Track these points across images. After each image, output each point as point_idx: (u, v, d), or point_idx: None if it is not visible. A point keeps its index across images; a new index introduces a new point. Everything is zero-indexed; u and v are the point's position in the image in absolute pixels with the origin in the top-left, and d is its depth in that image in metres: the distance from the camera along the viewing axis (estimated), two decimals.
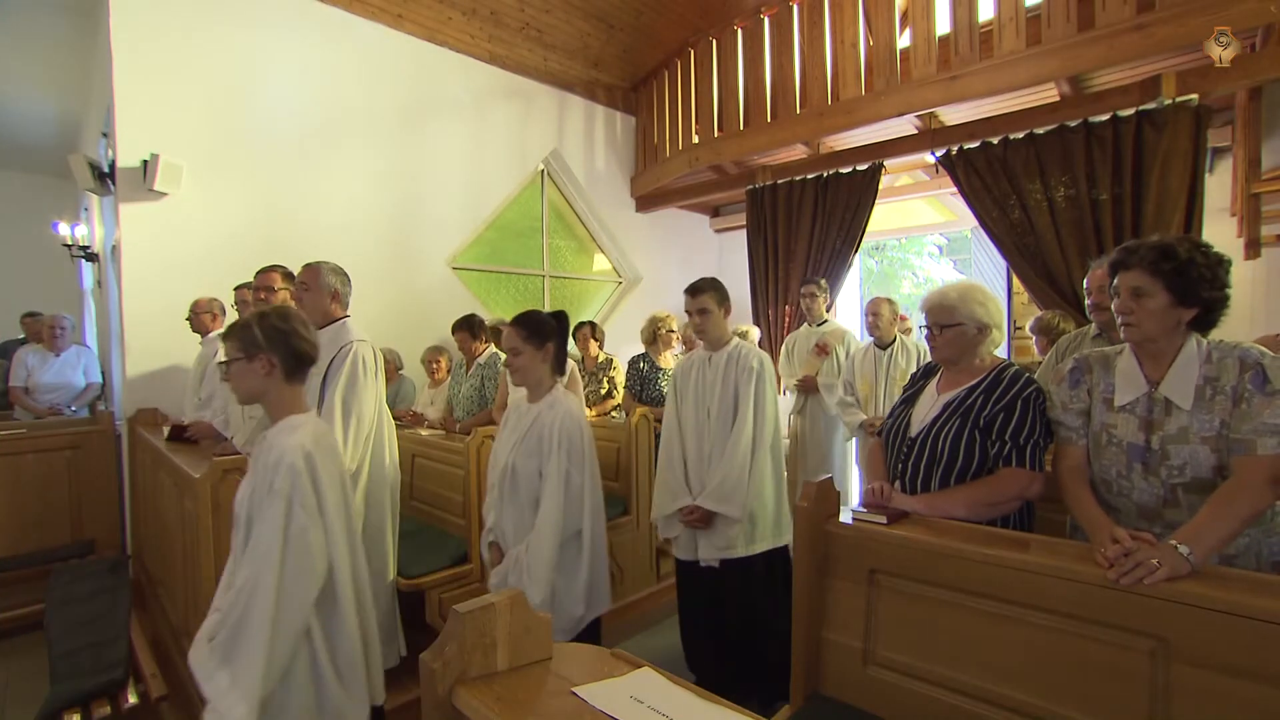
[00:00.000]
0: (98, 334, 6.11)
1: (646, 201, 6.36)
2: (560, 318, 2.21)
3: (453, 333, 4.09)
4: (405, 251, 4.69)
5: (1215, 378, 1.42)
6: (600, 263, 6.46)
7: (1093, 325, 2.47)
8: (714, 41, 5.26)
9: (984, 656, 1.35)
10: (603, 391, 4.16)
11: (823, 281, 4.30)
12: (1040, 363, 2.89)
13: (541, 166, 5.75)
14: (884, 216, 5.96)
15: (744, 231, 5.59)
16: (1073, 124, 3.68)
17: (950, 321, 1.76)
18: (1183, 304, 1.44)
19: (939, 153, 4.31)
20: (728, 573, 2.51)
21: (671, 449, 2.61)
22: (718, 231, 7.33)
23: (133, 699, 2.04)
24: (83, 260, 5.95)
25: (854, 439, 3.98)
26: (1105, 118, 3.57)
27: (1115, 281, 1.52)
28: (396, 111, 4.63)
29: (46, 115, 5.66)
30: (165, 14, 3.59)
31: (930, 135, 4.42)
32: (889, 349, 3.68)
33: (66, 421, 4.09)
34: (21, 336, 5.55)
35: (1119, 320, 1.51)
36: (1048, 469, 1.70)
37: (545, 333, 2.13)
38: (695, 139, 5.52)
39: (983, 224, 4.14)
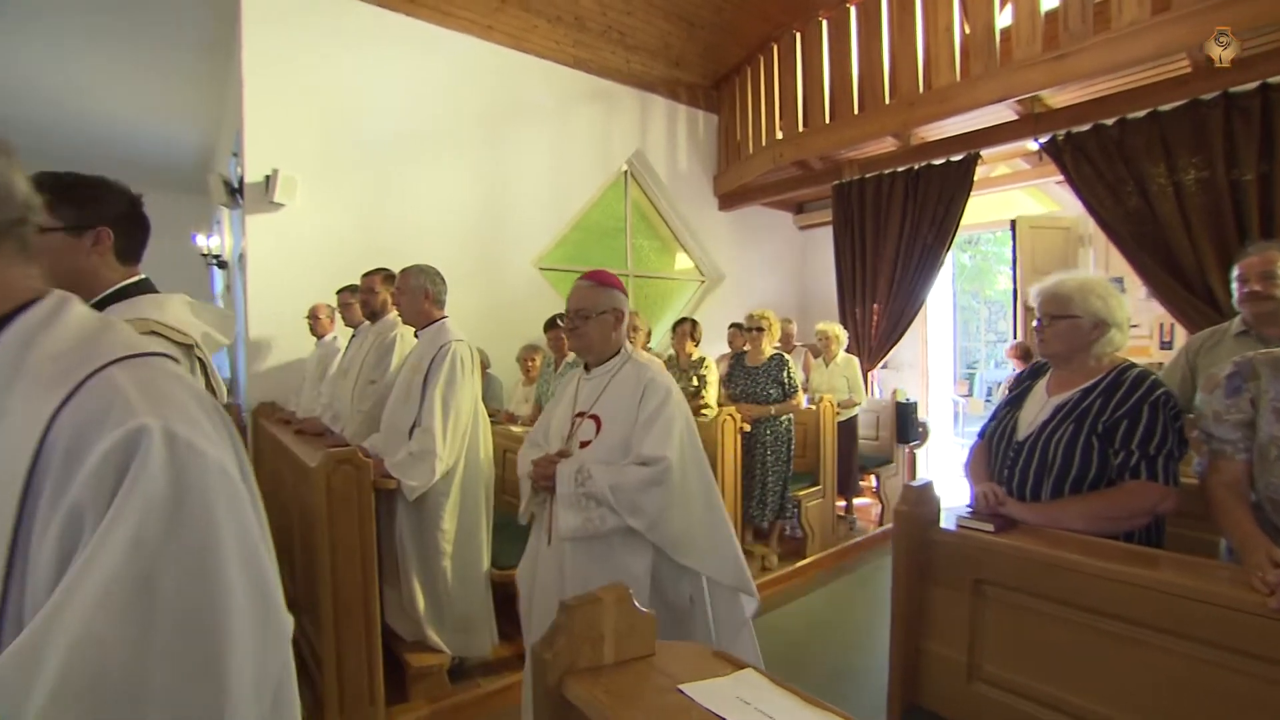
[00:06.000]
0: None
1: (729, 199, 6.31)
2: None
3: (545, 331, 4.21)
4: (492, 253, 4.88)
5: None
6: (683, 262, 6.46)
7: (1235, 321, 2.22)
8: (798, 35, 5.14)
9: (1105, 681, 1.26)
10: (691, 389, 4.15)
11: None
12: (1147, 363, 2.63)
13: (624, 167, 5.82)
14: (979, 209, 5.62)
15: (829, 228, 5.43)
16: (1207, 97, 3.32)
17: (1063, 313, 1.63)
18: None
19: (1043, 139, 4.02)
20: None
21: None
22: (802, 228, 7.17)
23: None
24: (215, 267, 6.60)
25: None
26: (1253, 86, 3.18)
27: None
28: (484, 118, 4.82)
29: (187, 141, 6.31)
30: (287, 41, 3.91)
31: (1033, 120, 4.12)
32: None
33: None
34: None
35: None
36: (1184, 481, 1.55)
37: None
38: (779, 135, 5.42)
39: (1093, 213, 3.81)
